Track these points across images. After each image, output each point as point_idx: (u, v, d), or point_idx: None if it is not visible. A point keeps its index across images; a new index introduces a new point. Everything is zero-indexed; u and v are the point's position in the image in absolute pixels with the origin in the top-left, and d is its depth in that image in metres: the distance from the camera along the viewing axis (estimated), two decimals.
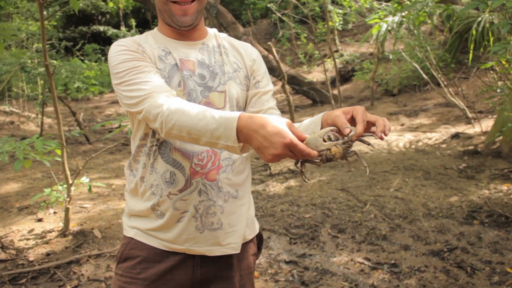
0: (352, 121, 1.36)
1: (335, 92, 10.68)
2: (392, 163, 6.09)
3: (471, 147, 6.47)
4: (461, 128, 7.57)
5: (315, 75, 14.19)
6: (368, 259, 3.61)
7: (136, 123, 1.61)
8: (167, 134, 1.38)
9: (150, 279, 1.57)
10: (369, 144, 1.38)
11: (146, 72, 1.47)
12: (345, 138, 1.32)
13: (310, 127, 1.50)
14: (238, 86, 1.65)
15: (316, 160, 1.30)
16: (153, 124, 1.42)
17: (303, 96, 12.58)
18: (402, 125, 8.56)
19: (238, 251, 1.63)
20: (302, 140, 1.26)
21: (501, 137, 5.96)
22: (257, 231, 1.77)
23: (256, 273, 3.42)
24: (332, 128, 1.33)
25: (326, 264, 3.56)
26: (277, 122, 1.23)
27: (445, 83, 8.61)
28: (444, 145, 6.82)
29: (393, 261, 3.56)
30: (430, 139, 7.24)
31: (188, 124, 1.32)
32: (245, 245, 1.68)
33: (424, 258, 3.60)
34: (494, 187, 5.04)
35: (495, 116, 7.34)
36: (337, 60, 13.73)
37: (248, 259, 1.70)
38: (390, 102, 10.59)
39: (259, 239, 1.80)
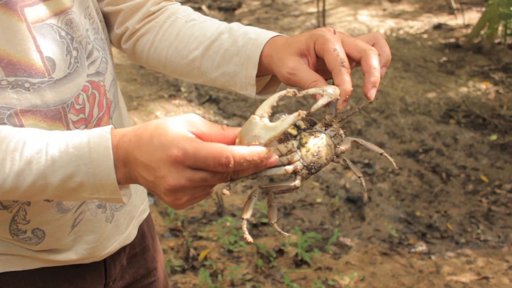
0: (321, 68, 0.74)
1: None
2: None
3: (452, 40, 5.94)
4: (444, 19, 6.95)
5: None
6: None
7: None
8: None
9: None
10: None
11: None
12: (329, 119, 0.70)
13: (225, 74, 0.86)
14: None
15: (279, 171, 0.65)
16: None
17: None
18: (384, 10, 7.86)
19: None
20: (230, 142, 0.62)
21: (483, 31, 5.41)
22: None
23: None
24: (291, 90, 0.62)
25: None
26: (166, 126, 0.61)
27: None
28: (425, 36, 6.26)
29: (366, 160, 3.21)
30: (411, 27, 6.64)
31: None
32: None
33: (398, 159, 3.25)
34: (473, 84, 4.62)
35: (479, 9, 6.72)
36: None
37: None
38: None
39: None
